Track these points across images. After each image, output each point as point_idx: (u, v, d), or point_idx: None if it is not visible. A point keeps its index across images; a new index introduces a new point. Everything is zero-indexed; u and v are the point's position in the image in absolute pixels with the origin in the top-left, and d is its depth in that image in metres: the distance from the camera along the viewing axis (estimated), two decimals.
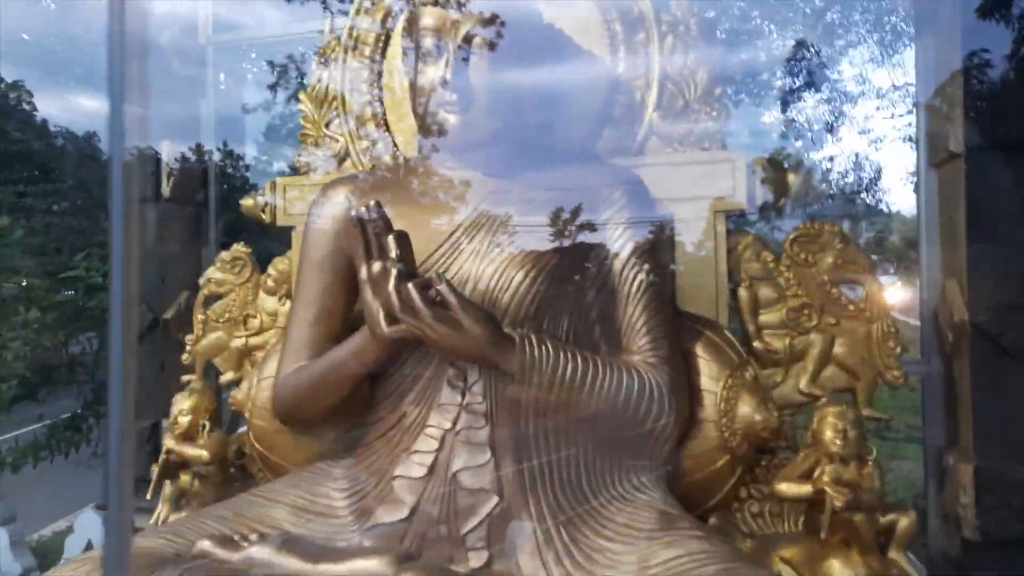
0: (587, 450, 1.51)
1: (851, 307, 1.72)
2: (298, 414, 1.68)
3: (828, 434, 1.49)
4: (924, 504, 1.88)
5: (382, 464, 1.56)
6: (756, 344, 1.76)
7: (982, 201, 1.64)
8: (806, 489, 1.46)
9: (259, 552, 1.39)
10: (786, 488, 1.49)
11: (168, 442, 1.87)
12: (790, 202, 1.79)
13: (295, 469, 1.76)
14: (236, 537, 1.43)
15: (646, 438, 1.51)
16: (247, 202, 2.10)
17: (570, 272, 1.56)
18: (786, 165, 1.77)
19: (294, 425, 1.74)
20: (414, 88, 1.61)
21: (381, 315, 1.41)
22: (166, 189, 2.76)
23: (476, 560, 1.46)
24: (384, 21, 1.97)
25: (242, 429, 2.08)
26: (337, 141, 2.02)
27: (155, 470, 1.86)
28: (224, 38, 2.83)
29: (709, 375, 1.62)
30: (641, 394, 1.48)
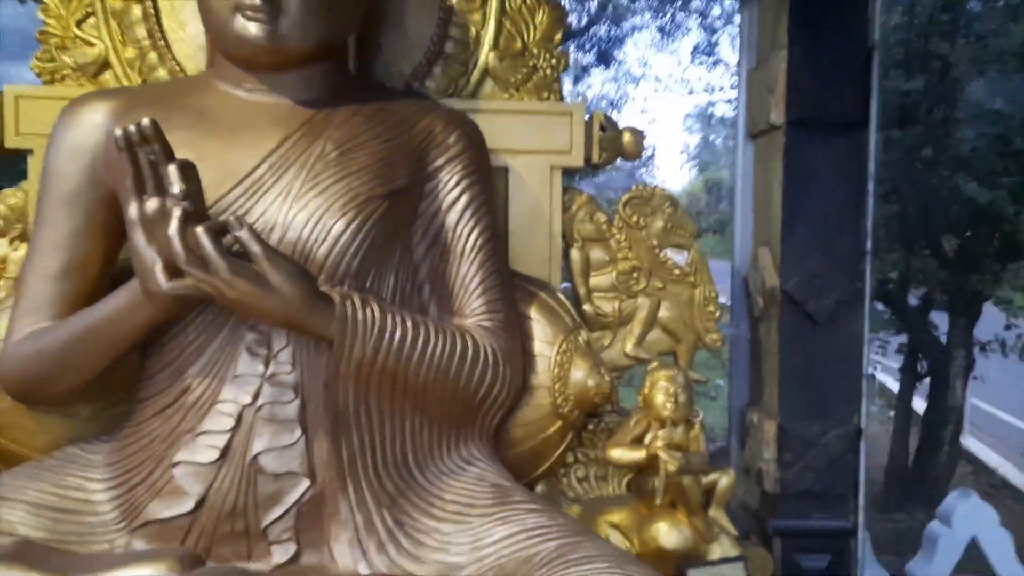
0: (413, 423, 1.34)
1: (676, 271, 1.71)
2: (38, 389, 1.33)
3: (660, 398, 1.46)
4: (727, 459, 1.97)
5: (157, 448, 1.28)
6: (586, 307, 1.69)
7: (798, 173, 1.70)
8: (639, 454, 1.43)
9: None
10: (618, 454, 1.45)
11: None
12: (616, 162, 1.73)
13: (37, 457, 1.39)
14: None
15: (478, 407, 1.39)
16: None
17: (397, 224, 1.37)
18: None
19: (32, 403, 1.40)
20: None
21: (158, 266, 1.12)
22: None
23: (281, 554, 1.26)
24: None
25: None
26: (92, 46, 1.60)
27: None
28: None
29: (543, 339, 1.53)
30: (475, 361, 1.35)
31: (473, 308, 1.41)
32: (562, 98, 1.67)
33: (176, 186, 1.10)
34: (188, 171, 1.13)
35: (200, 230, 1.08)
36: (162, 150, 1.12)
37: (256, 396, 1.25)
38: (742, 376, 1.95)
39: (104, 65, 1.60)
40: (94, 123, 1.35)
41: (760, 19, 1.88)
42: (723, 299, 1.77)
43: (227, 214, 1.25)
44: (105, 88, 1.43)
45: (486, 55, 1.63)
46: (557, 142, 1.64)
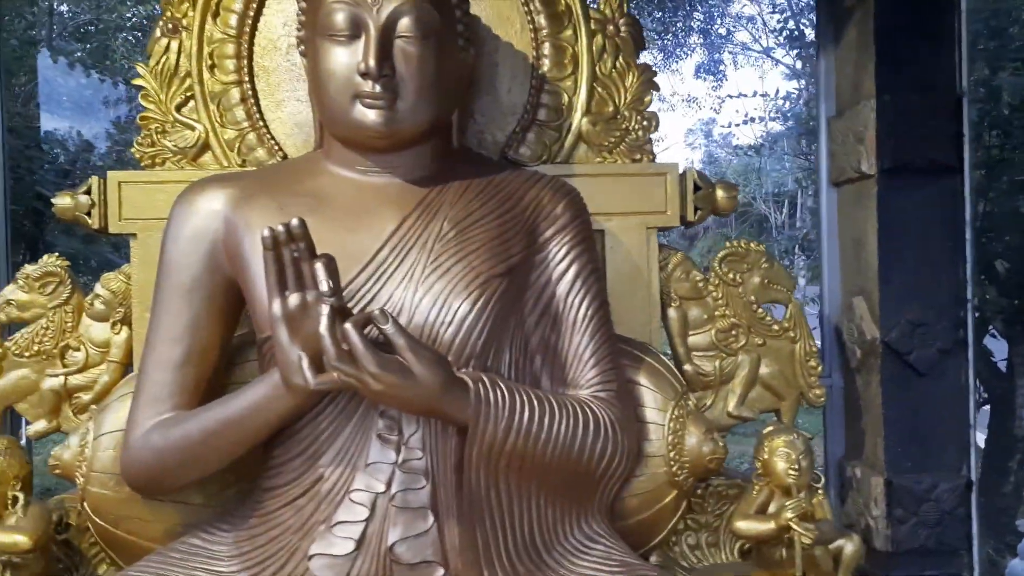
0: (539, 502, 1.32)
1: (775, 327, 1.69)
2: (164, 481, 1.33)
3: (781, 465, 1.43)
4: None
5: (289, 540, 1.27)
6: (687, 367, 1.67)
7: (892, 222, 1.68)
8: (768, 526, 1.40)
9: None
10: (746, 527, 1.42)
11: None
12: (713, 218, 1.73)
13: (152, 547, 1.38)
14: None
15: (599, 480, 1.37)
16: (62, 201, 1.63)
17: (513, 298, 1.36)
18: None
19: (154, 494, 1.40)
20: (320, 72, 1.31)
21: (305, 362, 1.12)
22: None
23: None
24: None
25: (60, 495, 1.62)
26: (192, 129, 1.62)
27: None
28: None
29: (654, 406, 1.51)
30: (596, 434, 1.33)
31: (588, 379, 1.40)
32: (654, 158, 1.67)
33: (324, 284, 1.10)
34: (330, 265, 1.13)
35: (349, 327, 1.08)
36: (307, 247, 1.12)
37: (389, 484, 1.24)
38: (837, 427, 1.92)
39: (204, 147, 1.62)
40: (212, 211, 1.36)
41: (839, 68, 1.89)
42: None
43: (354, 299, 1.26)
44: (218, 174, 1.44)
45: (579, 120, 1.64)
46: (652, 203, 1.64)
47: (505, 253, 1.35)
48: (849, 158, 1.76)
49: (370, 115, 1.28)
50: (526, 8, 1.63)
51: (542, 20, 1.62)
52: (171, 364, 1.34)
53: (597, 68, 1.64)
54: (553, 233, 1.42)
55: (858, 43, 1.71)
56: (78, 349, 1.64)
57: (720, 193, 1.68)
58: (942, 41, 1.66)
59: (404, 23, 1.28)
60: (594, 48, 1.64)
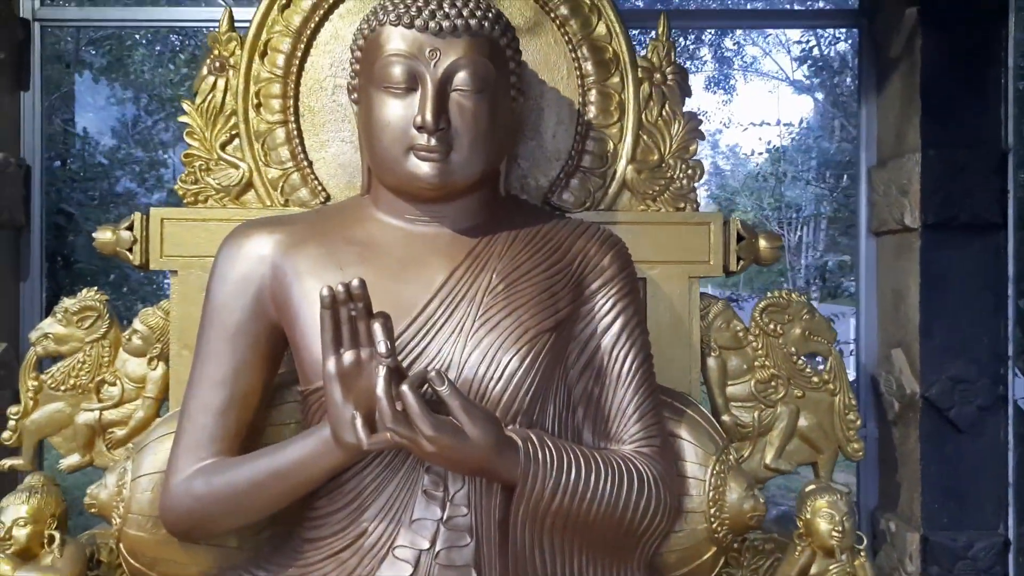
0: (581, 559, 1.31)
1: (815, 379, 1.68)
2: (205, 527, 1.32)
3: (824, 526, 1.42)
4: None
5: None
6: (725, 417, 1.66)
7: (935, 276, 1.67)
8: None
9: None
10: None
11: None
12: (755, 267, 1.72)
13: None
14: None
15: (640, 537, 1.35)
16: (104, 236, 1.62)
17: (560, 352, 1.35)
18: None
19: (193, 539, 1.38)
20: (374, 122, 1.30)
21: (359, 421, 1.11)
22: None
23: None
24: (305, 25, 1.60)
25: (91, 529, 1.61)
26: (236, 168, 1.61)
27: None
28: (58, 15, 2.18)
29: (695, 460, 1.49)
30: (640, 491, 1.32)
31: (631, 434, 1.39)
32: (698, 207, 1.67)
33: (383, 345, 1.09)
34: (387, 324, 1.12)
35: (406, 390, 1.07)
36: (365, 307, 1.12)
37: (433, 541, 1.22)
38: (871, 477, 1.91)
39: (247, 186, 1.61)
40: (260, 255, 1.35)
41: (881, 117, 1.88)
42: None
43: (403, 353, 1.25)
44: (266, 217, 1.44)
45: (624, 168, 1.63)
46: (695, 252, 1.63)
47: (553, 307, 1.34)
48: (892, 210, 1.75)
49: (424, 167, 1.28)
50: (574, 54, 1.62)
51: (589, 67, 1.62)
52: (214, 409, 1.33)
53: (643, 116, 1.64)
54: (600, 285, 1.41)
55: (903, 94, 1.70)
56: (114, 384, 1.63)
57: (763, 243, 1.67)
58: (988, 97, 1.65)
59: (460, 77, 1.27)
60: (641, 96, 1.63)
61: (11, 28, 2.09)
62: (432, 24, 1.26)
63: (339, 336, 1.13)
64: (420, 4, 1.28)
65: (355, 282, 1.10)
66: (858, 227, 1.93)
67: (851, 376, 1.94)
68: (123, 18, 2.46)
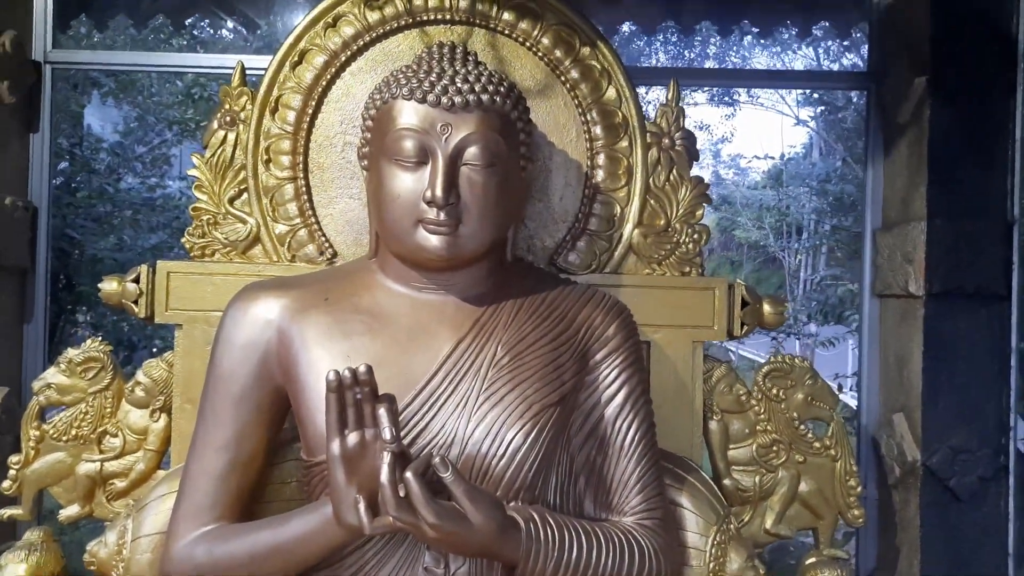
0: None
1: (817, 444, 1.68)
2: None
3: None
4: None
5: None
6: (726, 482, 1.66)
7: (939, 345, 1.67)
8: None
9: None
10: None
11: None
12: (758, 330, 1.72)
13: None
14: None
15: None
16: (109, 286, 1.62)
17: (564, 424, 1.35)
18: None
19: None
20: (384, 193, 1.30)
21: (362, 505, 1.11)
22: None
23: None
24: (316, 82, 1.61)
25: None
26: (244, 222, 1.61)
27: None
28: (70, 57, 2.19)
29: (695, 530, 1.49)
30: (641, 565, 1.31)
31: (632, 506, 1.38)
32: (703, 271, 1.67)
33: (388, 432, 1.09)
34: (392, 408, 1.12)
35: (410, 478, 1.07)
36: (371, 391, 1.12)
37: None
38: (869, 540, 1.90)
39: (254, 241, 1.62)
40: (266, 320, 1.35)
41: (887, 182, 1.88)
42: None
43: (407, 427, 1.25)
44: (273, 280, 1.44)
45: (630, 232, 1.63)
46: (699, 316, 1.63)
47: (558, 380, 1.34)
48: (896, 275, 1.76)
49: (433, 240, 1.28)
50: (583, 118, 1.63)
51: (598, 130, 1.62)
52: (216, 474, 1.33)
53: (651, 180, 1.64)
54: (604, 355, 1.41)
55: (909, 161, 1.71)
56: (116, 435, 1.63)
57: (767, 308, 1.67)
58: (995, 167, 1.66)
59: (471, 152, 1.28)
60: (649, 160, 1.64)
61: (24, 71, 2.10)
62: (444, 99, 1.27)
63: (344, 418, 1.13)
64: (433, 79, 1.29)
65: (362, 368, 1.10)
66: (862, 290, 1.94)
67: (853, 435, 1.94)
68: (134, 62, 2.46)
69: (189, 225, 1.62)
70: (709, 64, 12.84)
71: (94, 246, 4.20)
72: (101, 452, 1.63)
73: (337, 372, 1.10)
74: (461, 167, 1.28)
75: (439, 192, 1.24)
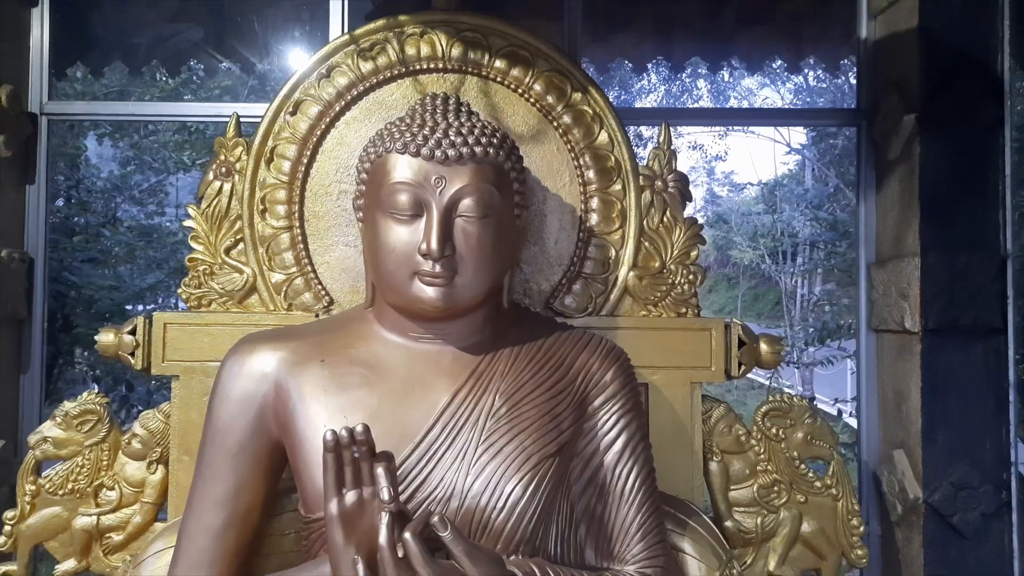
0: None
1: (818, 484, 1.67)
2: None
3: None
4: None
5: None
6: (728, 523, 1.65)
7: (937, 381, 1.67)
8: None
9: None
10: None
11: None
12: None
13: None
14: None
15: None
16: (106, 338, 1.62)
17: (563, 474, 1.34)
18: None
19: None
20: (380, 246, 1.30)
21: (360, 566, 1.10)
22: None
23: None
24: (311, 132, 1.62)
25: None
26: (241, 272, 1.62)
27: None
28: (66, 108, 2.21)
29: (699, 575, 1.48)
30: None
31: (634, 554, 1.37)
32: (699, 312, 1.67)
33: (385, 493, 1.08)
34: (390, 467, 1.12)
35: (408, 539, 1.06)
36: (368, 450, 1.11)
37: None
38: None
39: (250, 290, 1.62)
40: (263, 373, 1.35)
41: (880, 217, 1.90)
42: None
43: (405, 480, 1.24)
44: (268, 331, 1.43)
45: (625, 274, 1.64)
46: (697, 357, 1.63)
47: (556, 430, 1.33)
48: (892, 311, 1.76)
49: (428, 291, 1.28)
50: (576, 162, 1.64)
51: (591, 174, 1.64)
52: (213, 530, 1.32)
53: (645, 223, 1.65)
54: (602, 402, 1.41)
55: (901, 197, 1.72)
56: (112, 488, 1.62)
57: (764, 348, 1.67)
58: (988, 202, 1.67)
59: (465, 204, 1.28)
60: (642, 203, 1.65)
61: (20, 124, 2.12)
62: (438, 153, 1.28)
63: (341, 477, 1.12)
64: (427, 132, 1.30)
65: (359, 428, 1.10)
66: (859, 324, 1.94)
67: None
68: (129, 112, 2.48)
69: (185, 270, 1.62)
70: (701, 86, 12.97)
71: (91, 287, 4.21)
72: (98, 505, 1.62)
73: (334, 432, 1.10)
74: (456, 219, 1.29)
75: (434, 245, 1.25)
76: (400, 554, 1.08)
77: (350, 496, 1.12)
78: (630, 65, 2.91)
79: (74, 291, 3.96)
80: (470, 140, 1.30)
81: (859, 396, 1.95)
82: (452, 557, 1.11)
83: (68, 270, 3.92)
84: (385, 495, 1.08)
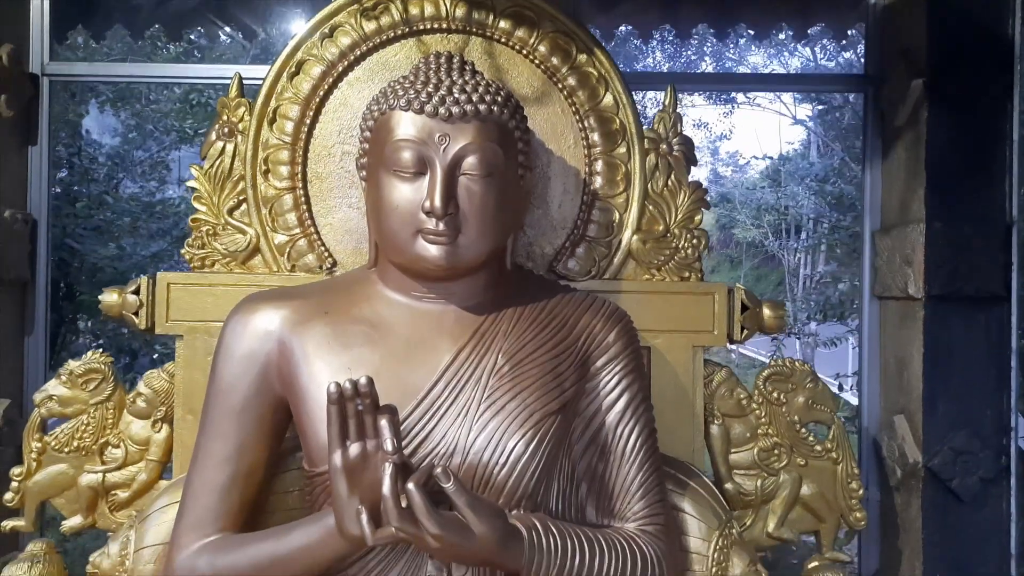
0: None
1: (818, 447, 1.68)
2: None
3: None
4: None
5: None
6: (728, 486, 1.66)
7: (939, 347, 1.67)
8: None
9: None
10: None
11: None
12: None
13: None
14: None
15: None
16: (110, 298, 1.63)
17: (564, 432, 1.35)
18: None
19: None
20: (383, 204, 1.30)
21: (364, 517, 1.11)
22: None
23: None
24: (314, 93, 1.61)
25: None
26: (244, 233, 1.62)
27: None
28: (67, 69, 2.19)
29: (697, 535, 1.50)
30: (644, 571, 1.31)
31: (634, 512, 1.38)
32: (702, 276, 1.67)
33: (389, 443, 1.09)
34: (393, 419, 1.12)
35: (412, 489, 1.07)
36: (372, 403, 1.12)
37: None
38: (871, 542, 1.90)
39: (254, 251, 1.62)
40: (267, 331, 1.35)
41: (885, 184, 1.89)
42: None
43: (408, 436, 1.25)
44: (272, 290, 1.44)
45: (629, 238, 1.64)
46: (699, 321, 1.64)
47: (559, 388, 1.34)
48: (895, 277, 1.76)
49: (432, 250, 1.28)
50: (581, 124, 1.63)
51: (596, 137, 1.63)
52: (218, 487, 1.33)
53: (649, 186, 1.64)
54: (605, 362, 1.41)
55: (907, 164, 1.71)
56: (117, 446, 1.63)
57: (767, 312, 1.68)
58: (993, 170, 1.66)
59: (469, 162, 1.28)
60: (647, 166, 1.64)
61: (21, 85, 2.11)
62: (442, 110, 1.27)
63: (345, 430, 1.13)
64: (431, 89, 1.29)
65: (363, 380, 1.10)
66: (862, 292, 1.94)
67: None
68: (132, 74, 2.47)
69: (189, 234, 1.62)
70: (706, 62, 12.83)
71: (94, 255, 4.22)
72: (103, 463, 1.63)
73: (338, 384, 1.10)
74: (459, 177, 1.28)
75: (438, 203, 1.25)
76: (403, 504, 1.09)
77: (354, 448, 1.13)
78: (635, 32, 2.88)
79: (77, 259, 3.98)
80: (474, 98, 1.29)
81: (860, 363, 1.96)
82: (455, 508, 1.12)
83: (72, 237, 3.94)
84: (388, 445, 1.09)
